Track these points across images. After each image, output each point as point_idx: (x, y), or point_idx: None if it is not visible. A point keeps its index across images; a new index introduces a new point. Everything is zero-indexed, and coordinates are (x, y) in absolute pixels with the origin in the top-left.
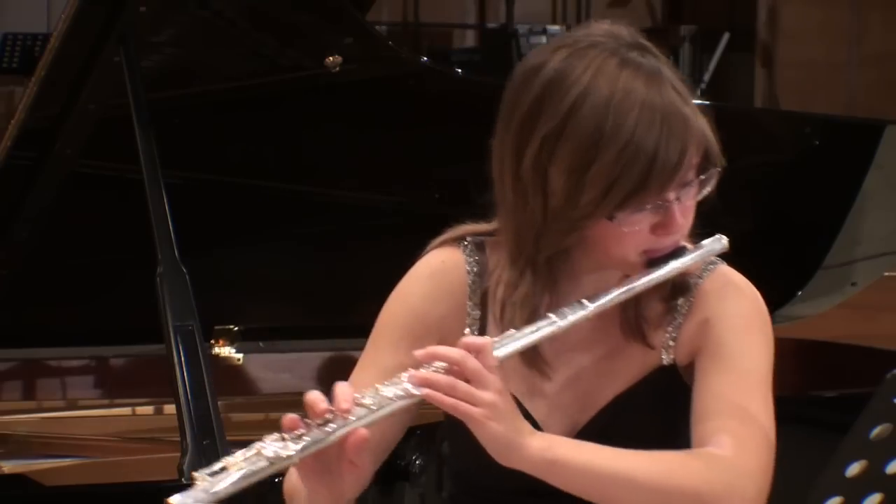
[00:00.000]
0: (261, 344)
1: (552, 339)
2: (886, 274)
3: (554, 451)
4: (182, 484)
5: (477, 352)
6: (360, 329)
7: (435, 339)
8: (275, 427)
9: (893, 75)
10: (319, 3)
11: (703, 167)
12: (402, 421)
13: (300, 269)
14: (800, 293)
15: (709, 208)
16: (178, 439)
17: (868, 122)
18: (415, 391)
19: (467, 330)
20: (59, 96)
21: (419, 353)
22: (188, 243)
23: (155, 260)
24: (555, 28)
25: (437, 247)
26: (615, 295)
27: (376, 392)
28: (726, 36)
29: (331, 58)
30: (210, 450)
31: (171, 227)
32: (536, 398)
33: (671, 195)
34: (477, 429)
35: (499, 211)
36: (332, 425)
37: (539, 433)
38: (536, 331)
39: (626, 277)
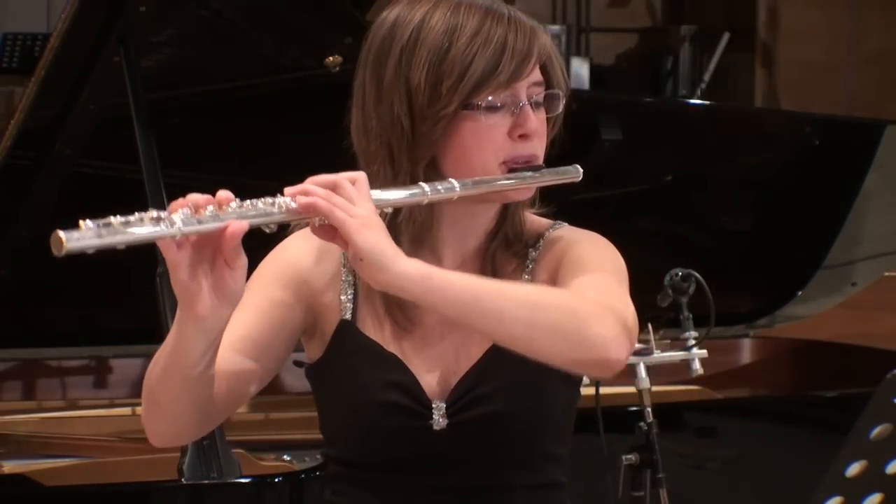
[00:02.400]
0: None
1: (416, 304)
2: (886, 274)
3: (429, 268)
4: (181, 484)
5: (352, 181)
6: None
7: (304, 290)
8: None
9: (893, 75)
10: (319, 3)
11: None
12: (287, 333)
13: None
14: (800, 293)
15: (710, 209)
16: None
17: (868, 122)
18: (293, 204)
19: (342, 297)
20: (59, 96)
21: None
22: None
23: (155, 260)
24: (555, 28)
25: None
26: (480, 179)
27: (256, 202)
28: (726, 36)
29: (331, 58)
30: (210, 450)
31: None
32: (413, 361)
33: (523, 95)
34: (354, 237)
35: (368, 151)
36: (212, 214)
37: None
38: (406, 192)
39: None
